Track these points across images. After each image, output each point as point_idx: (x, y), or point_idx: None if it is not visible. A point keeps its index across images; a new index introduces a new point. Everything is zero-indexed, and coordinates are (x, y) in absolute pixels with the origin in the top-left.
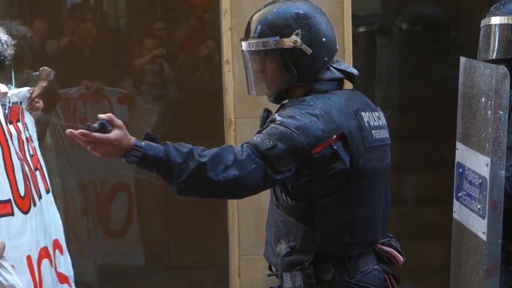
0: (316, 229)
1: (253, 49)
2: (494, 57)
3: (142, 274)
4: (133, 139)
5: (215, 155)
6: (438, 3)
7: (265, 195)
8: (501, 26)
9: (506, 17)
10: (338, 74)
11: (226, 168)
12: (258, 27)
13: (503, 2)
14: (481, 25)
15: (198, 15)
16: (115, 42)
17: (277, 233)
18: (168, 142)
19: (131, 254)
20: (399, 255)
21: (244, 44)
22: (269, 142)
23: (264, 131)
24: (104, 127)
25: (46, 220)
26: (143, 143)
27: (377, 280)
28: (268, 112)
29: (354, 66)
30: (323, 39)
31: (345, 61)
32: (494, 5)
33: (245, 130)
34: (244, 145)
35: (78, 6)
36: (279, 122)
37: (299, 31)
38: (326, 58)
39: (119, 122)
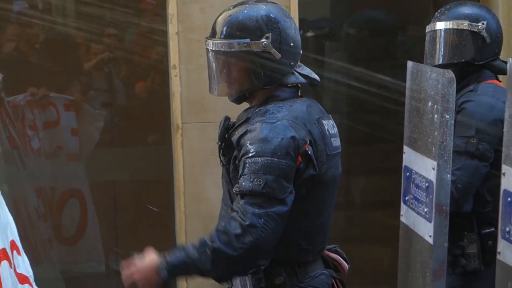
0: None
1: (221, 49)
2: (440, 62)
3: (94, 281)
4: (158, 259)
5: (222, 233)
6: (386, 7)
7: (214, 200)
8: (446, 31)
9: (451, 22)
10: (302, 79)
11: (239, 238)
12: (228, 27)
13: (447, 7)
14: (427, 30)
15: (147, 20)
16: (62, 47)
17: None
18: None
19: (85, 261)
20: (345, 262)
21: (210, 43)
22: (259, 182)
23: (246, 171)
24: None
25: (2, 221)
26: (164, 259)
27: (325, 284)
28: (228, 120)
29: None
30: (291, 44)
31: None
32: (439, 10)
33: (192, 135)
34: (240, 202)
35: (25, 11)
36: (253, 153)
37: (269, 35)
38: (292, 63)
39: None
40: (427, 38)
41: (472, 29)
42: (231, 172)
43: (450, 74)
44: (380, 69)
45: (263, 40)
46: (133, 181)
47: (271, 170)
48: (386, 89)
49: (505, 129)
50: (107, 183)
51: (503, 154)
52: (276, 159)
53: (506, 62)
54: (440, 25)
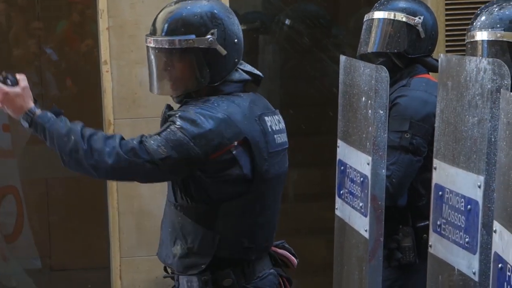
0: (216, 233)
1: (165, 46)
2: (374, 50)
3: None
4: (32, 103)
5: (99, 139)
6: (319, 0)
7: (146, 197)
8: (384, 20)
9: (388, 12)
10: (245, 76)
11: (101, 153)
12: (171, 24)
13: None
14: (364, 19)
15: (78, 13)
16: None
17: (173, 234)
18: (66, 118)
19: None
20: (293, 257)
21: (152, 41)
22: (163, 152)
23: (163, 134)
24: (7, 80)
25: None
26: (38, 110)
27: (272, 284)
28: (169, 108)
29: None
30: (235, 40)
31: None
32: (379, 1)
33: (125, 131)
34: (140, 139)
35: None
36: (179, 126)
37: (214, 31)
38: (236, 60)
39: (25, 82)
40: (364, 26)
41: (408, 22)
42: None
43: (383, 69)
44: (312, 61)
45: (208, 36)
46: (65, 178)
47: (181, 150)
48: (319, 82)
49: (436, 124)
50: (40, 181)
51: (434, 149)
52: (192, 144)
53: (437, 60)
54: (378, 15)
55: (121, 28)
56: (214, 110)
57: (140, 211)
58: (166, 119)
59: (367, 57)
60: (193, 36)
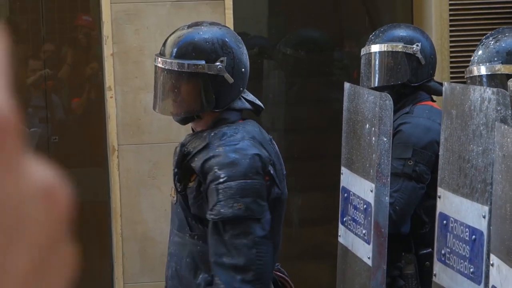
0: None
1: (175, 69)
2: (376, 85)
3: None
4: None
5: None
6: (323, 25)
7: (150, 222)
8: (381, 53)
9: (386, 45)
10: (247, 105)
11: (243, 281)
12: (183, 47)
13: (382, 29)
14: (362, 53)
15: (84, 37)
16: None
17: (193, 264)
18: None
19: None
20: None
21: (161, 61)
22: (240, 206)
23: (221, 197)
24: None
25: None
26: None
27: None
28: (184, 147)
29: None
30: (243, 69)
31: None
32: (374, 33)
33: (128, 157)
34: (225, 238)
35: None
36: (225, 178)
37: (224, 58)
38: (241, 88)
39: None
40: (362, 61)
41: (407, 51)
42: (191, 199)
43: (387, 97)
44: (317, 86)
45: (217, 63)
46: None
47: (247, 193)
48: (322, 106)
49: (440, 152)
50: None
51: (438, 177)
52: (249, 180)
53: (440, 83)
54: (375, 48)
55: (126, 54)
56: (236, 140)
57: (143, 237)
58: (184, 156)
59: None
60: (203, 62)
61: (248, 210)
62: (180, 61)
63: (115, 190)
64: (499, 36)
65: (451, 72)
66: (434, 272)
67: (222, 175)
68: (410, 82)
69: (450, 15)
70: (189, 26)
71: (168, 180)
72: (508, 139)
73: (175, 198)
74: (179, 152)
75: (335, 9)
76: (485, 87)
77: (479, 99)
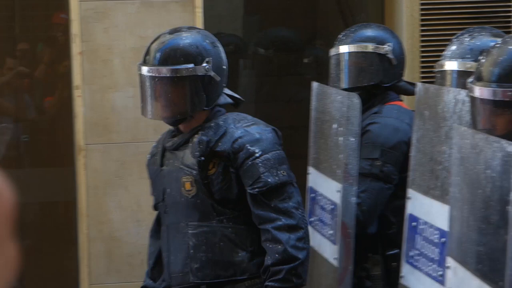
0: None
1: (167, 75)
2: (346, 86)
3: None
4: None
5: (289, 255)
6: (296, 24)
7: (116, 222)
8: (352, 54)
9: (357, 45)
10: (229, 100)
11: (298, 240)
12: (170, 54)
13: (352, 29)
14: (331, 53)
15: (62, 34)
16: None
17: (230, 246)
18: None
19: None
20: None
21: (148, 70)
22: (283, 173)
23: (262, 170)
24: None
25: None
26: None
27: None
28: (206, 136)
29: None
30: (223, 67)
31: None
32: (342, 33)
33: (95, 157)
34: (272, 205)
35: None
36: (260, 152)
37: (209, 59)
38: (224, 85)
39: None
40: (331, 61)
41: (378, 52)
42: (217, 184)
43: (355, 96)
44: (288, 85)
45: (204, 64)
46: (38, 203)
47: (282, 161)
48: (293, 105)
49: (412, 153)
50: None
51: (409, 179)
52: (278, 151)
53: (411, 83)
54: (344, 49)
55: (94, 52)
56: (250, 121)
57: (110, 237)
58: (207, 144)
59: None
60: (192, 65)
61: (289, 175)
62: (171, 67)
63: (81, 190)
64: (475, 34)
65: (422, 72)
66: (402, 274)
67: (257, 150)
68: (382, 83)
69: (421, 14)
70: (170, 33)
71: (135, 180)
72: (467, 141)
73: (192, 191)
74: (206, 142)
75: (309, 9)
76: (459, 89)
77: (453, 100)
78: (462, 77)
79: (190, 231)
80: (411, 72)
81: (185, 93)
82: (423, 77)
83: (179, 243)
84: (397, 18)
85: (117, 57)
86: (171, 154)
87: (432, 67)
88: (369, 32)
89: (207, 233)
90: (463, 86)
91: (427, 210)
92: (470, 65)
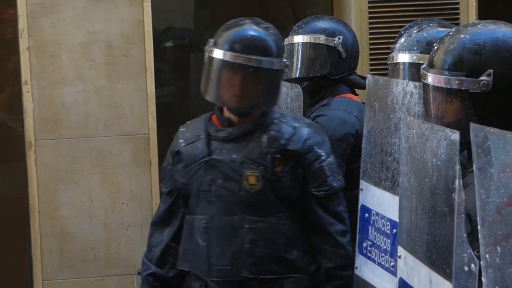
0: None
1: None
2: (297, 76)
3: None
4: None
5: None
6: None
7: (68, 218)
8: (303, 44)
9: (308, 36)
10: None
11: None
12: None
13: (305, 21)
14: (285, 43)
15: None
16: None
17: (286, 244)
18: None
19: None
20: None
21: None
22: (341, 179)
23: (328, 173)
24: None
25: None
26: None
27: None
28: (275, 133)
29: (161, 82)
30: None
31: (148, 79)
32: (297, 24)
33: (46, 152)
34: (331, 208)
35: None
36: (325, 156)
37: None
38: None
39: None
40: (286, 50)
41: (328, 44)
42: (284, 182)
43: (297, 88)
44: None
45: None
46: None
47: (337, 166)
48: None
49: (363, 145)
50: None
51: (361, 170)
52: (334, 155)
53: (362, 77)
54: (298, 39)
55: (42, 47)
56: (309, 122)
57: (62, 233)
58: (280, 146)
59: (293, 81)
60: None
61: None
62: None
63: (32, 186)
64: (423, 26)
65: (371, 64)
66: (356, 265)
67: (323, 153)
68: (330, 75)
69: (369, 7)
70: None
71: (86, 175)
72: (413, 131)
73: (257, 186)
74: (277, 139)
75: (260, 2)
76: (407, 80)
77: (402, 92)
78: (410, 69)
79: (247, 226)
80: (360, 65)
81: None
82: (372, 69)
83: (230, 236)
84: (345, 11)
85: (65, 52)
86: (222, 144)
87: (381, 59)
88: (321, 24)
89: (266, 229)
90: (412, 77)
91: (379, 201)
92: (416, 57)
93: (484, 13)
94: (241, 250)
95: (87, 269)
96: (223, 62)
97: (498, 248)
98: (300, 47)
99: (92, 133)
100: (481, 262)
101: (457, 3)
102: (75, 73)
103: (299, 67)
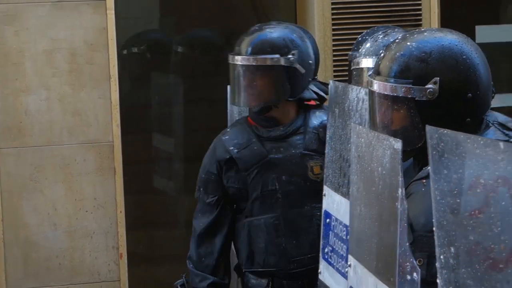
0: None
1: (257, 64)
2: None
3: None
4: None
5: None
6: (213, 24)
7: (32, 226)
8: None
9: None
10: (314, 95)
11: None
12: (258, 45)
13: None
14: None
15: None
16: None
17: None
18: None
19: None
20: None
21: (244, 59)
22: None
23: None
24: None
25: None
26: None
27: None
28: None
29: (125, 89)
30: (310, 61)
31: (112, 87)
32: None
33: (10, 161)
34: None
35: None
36: None
37: (296, 51)
38: (310, 78)
39: None
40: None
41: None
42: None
43: None
44: (206, 86)
45: (290, 56)
46: None
47: None
48: (212, 106)
49: (326, 150)
50: None
51: (324, 175)
52: None
53: (324, 84)
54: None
55: (5, 56)
56: None
57: (27, 242)
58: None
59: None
60: (277, 56)
61: None
62: (261, 57)
63: None
64: (388, 31)
65: (334, 71)
66: (320, 270)
67: None
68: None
69: (333, 14)
70: (260, 28)
71: (50, 184)
72: (362, 140)
73: (322, 174)
74: (322, 137)
75: (224, 9)
76: (360, 87)
77: (356, 98)
78: None
79: (318, 213)
80: (324, 71)
81: (270, 82)
82: (336, 76)
83: (304, 226)
84: (309, 18)
85: (28, 60)
86: (277, 143)
87: (344, 65)
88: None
89: (316, 220)
90: None
91: (338, 207)
92: None
93: (447, 20)
94: (318, 236)
95: (51, 277)
96: (231, 67)
97: (452, 249)
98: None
99: (56, 141)
100: (436, 264)
101: (420, 10)
102: (38, 81)
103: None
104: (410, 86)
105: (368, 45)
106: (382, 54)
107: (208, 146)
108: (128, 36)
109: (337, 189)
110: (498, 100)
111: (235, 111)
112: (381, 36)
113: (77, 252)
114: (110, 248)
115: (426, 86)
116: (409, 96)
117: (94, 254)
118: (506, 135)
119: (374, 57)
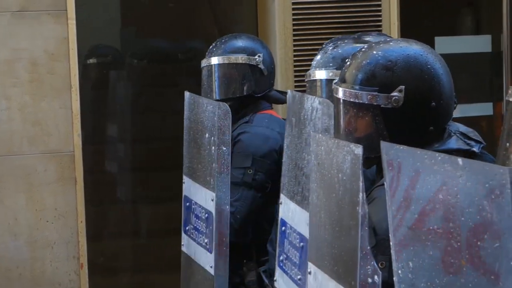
0: None
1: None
2: (218, 98)
3: None
4: None
5: None
6: (173, 35)
7: (6, 236)
8: (220, 66)
9: (228, 57)
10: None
11: None
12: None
13: (222, 40)
14: (202, 65)
15: None
16: None
17: None
18: None
19: None
20: None
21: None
22: None
23: None
24: None
25: None
26: None
27: None
28: None
29: (85, 98)
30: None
31: (72, 97)
32: (213, 44)
33: None
34: None
35: None
36: None
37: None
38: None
39: None
40: (203, 72)
41: (250, 63)
42: None
43: (225, 107)
44: (165, 96)
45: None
46: None
47: None
48: (170, 116)
49: (283, 159)
50: None
51: (281, 183)
52: None
53: (281, 92)
54: (215, 60)
55: None
56: None
57: None
58: None
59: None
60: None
61: None
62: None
63: None
64: (338, 43)
65: (295, 81)
66: (275, 278)
67: None
68: (255, 93)
69: (294, 24)
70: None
71: (11, 194)
72: (322, 148)
73: None
74: None
75: (185, 20)
76: (315, 96)
77: (310, 108)
78: (327, 85)
79: None
80: (285, 81)
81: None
82: (297, 86)
83: None
84: (270, 28)
85: None
86: None
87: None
88: (240, 43)
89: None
90: (330, 94)
91: (292, 215)
92: (332, 73)
93: (406, 30)
94: None
95: (12, 287)
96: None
97: (410, 264)
98: (217, 69)
99: (17, 150)
100: (394, 278)
101: (380, 21)
102: None
103: (217, 89)
104: (376, 93)
105: (318, 57)
106: (348, 63)
107: (170, 155)
108: (89, 46)
109: (292, 197)
110: (456, 111)
111: (208, 123)
112: (330, 48)
113: (38, 262)
114: (71, 258)
115: (392, 94)
116: (375, 104)
117: (55, 264)
118: (468, 144)
119: (324, 68)
